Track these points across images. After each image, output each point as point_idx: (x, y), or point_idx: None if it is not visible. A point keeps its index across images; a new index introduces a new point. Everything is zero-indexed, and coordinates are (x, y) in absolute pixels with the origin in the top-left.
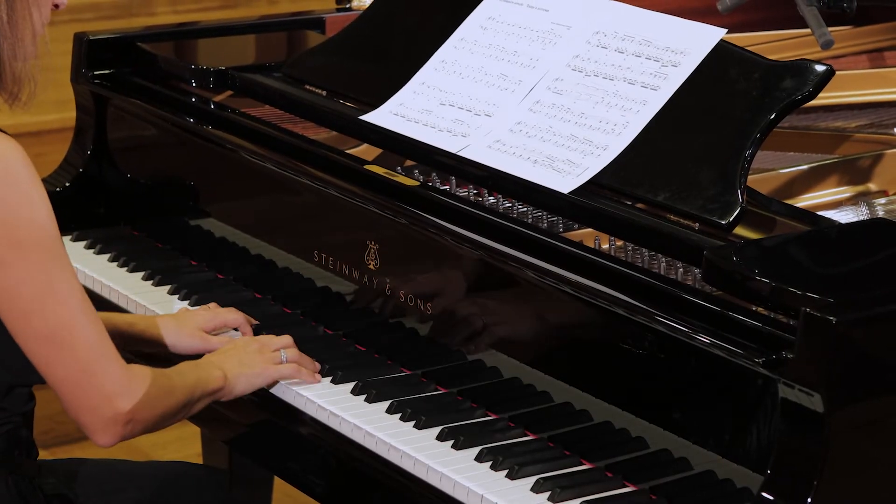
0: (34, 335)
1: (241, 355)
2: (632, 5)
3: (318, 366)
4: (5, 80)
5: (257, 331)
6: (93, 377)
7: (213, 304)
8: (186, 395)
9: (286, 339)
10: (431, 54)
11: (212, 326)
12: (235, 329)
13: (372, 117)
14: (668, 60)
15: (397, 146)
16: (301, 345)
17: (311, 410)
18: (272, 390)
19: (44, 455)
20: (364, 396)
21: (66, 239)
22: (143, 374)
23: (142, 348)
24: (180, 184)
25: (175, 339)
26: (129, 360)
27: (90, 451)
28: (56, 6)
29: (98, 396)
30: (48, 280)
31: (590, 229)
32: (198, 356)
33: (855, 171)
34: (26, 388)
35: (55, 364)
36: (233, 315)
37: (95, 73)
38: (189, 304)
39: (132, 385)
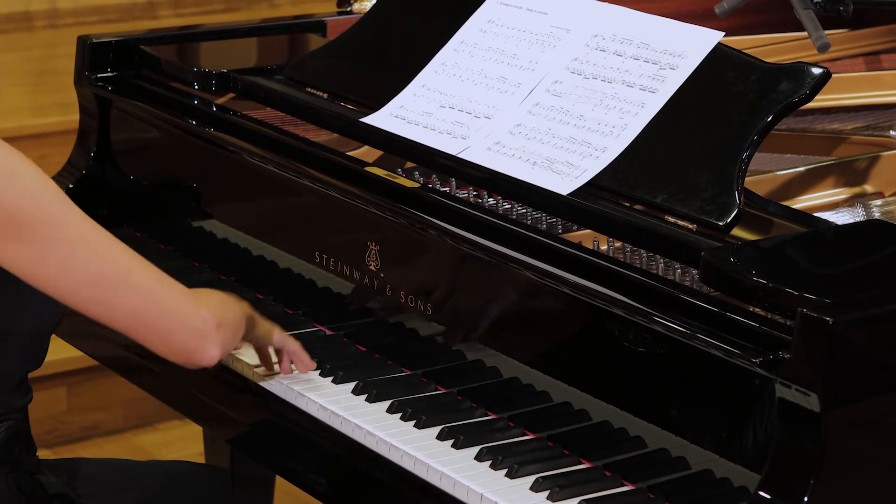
0: (79, 288)
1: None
2: (630, 9)
3: (312, 363)
4: None
5: None
6: (160, 299)
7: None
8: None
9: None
10: (431, 57)
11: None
12: None
13: (373, 120)
14: (665, 63)
15: (398, 148)
16: (302, 345)
17: (312, 410)
18: (273, 390)
19: (47, 454)
20: (365, 396)
21: None
22: (199, 290)
23: None
24: (183, 186)
25: None
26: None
27: (93, 450)
28: None
29: (176, 313)
30: (67, 232)
31: (588, 230)
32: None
33: (851, 173)
34: (25, 380)
35: (117, 305)
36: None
37: (99, 75)
38: None
39: (195, 294)
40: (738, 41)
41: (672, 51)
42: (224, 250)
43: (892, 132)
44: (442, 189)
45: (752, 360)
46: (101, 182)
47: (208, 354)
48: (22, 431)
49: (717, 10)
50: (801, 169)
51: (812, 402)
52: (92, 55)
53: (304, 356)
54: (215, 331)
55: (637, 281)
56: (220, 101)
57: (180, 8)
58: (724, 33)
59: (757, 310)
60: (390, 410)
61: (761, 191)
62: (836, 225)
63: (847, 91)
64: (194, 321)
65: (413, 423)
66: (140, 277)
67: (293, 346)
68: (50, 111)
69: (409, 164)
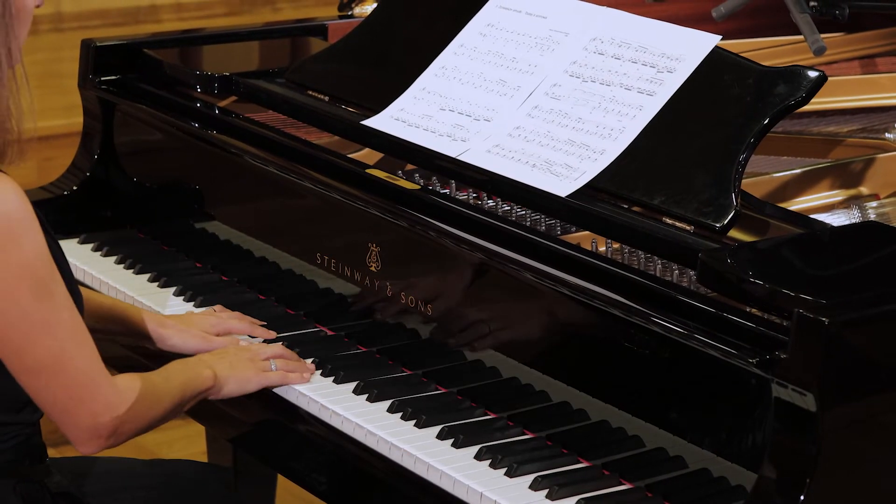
0: (25, 368)
1: (233, 359)
2: (628, 13)
3: (310, 366)
4: None
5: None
6: (80, 402)
7: (219, 307)
8: (174, 401)
9: (276, 349)
10: (432, 60)
11: (216, 331)
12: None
13: (373, 122)
14: (663, 66)
15: (398, 150)
16: (303, 346)
17: (313, 410)
18: (275, 390)
19: (53, 453)
20: (366, 396)
21: (74, 241)
22: (129, 388)
23: (146, 345)
24: (185, 187)
25: (180, 340)
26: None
27: None
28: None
29: (84, 415)
30: (40, 317)
31: (587, 232)
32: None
33: (847, 175)
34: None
35: (45, 391)
36: (237, 323)
37: (102, 78)
38: (194, 306)
39: (119, 402)
40: (736, 45)
41: (670, 54)
42: (226, 252)
43: (887, 135)
44: (442, 191)
45: (748, 360)
46: (104, 184)
47: (81, 450)
48: (32, 443)
49: (714, 14)
50: (798, 171)
51: (808, 401)
52: (96, 58)
53: (295, 376)
54: (104, 438)
55: (635, 282)
56: (223, 103)
57: (183, 12)
58: (721, 37)
59: (753, 310)
60: (391, 410)
61: (758, 193)
62: (832, 227)
63: (843, 94)
64: (91, 426)
65: (413, 422)
66: (76, 377)
67: (276, 378)
68: (54, 114)
69: (410, 167)
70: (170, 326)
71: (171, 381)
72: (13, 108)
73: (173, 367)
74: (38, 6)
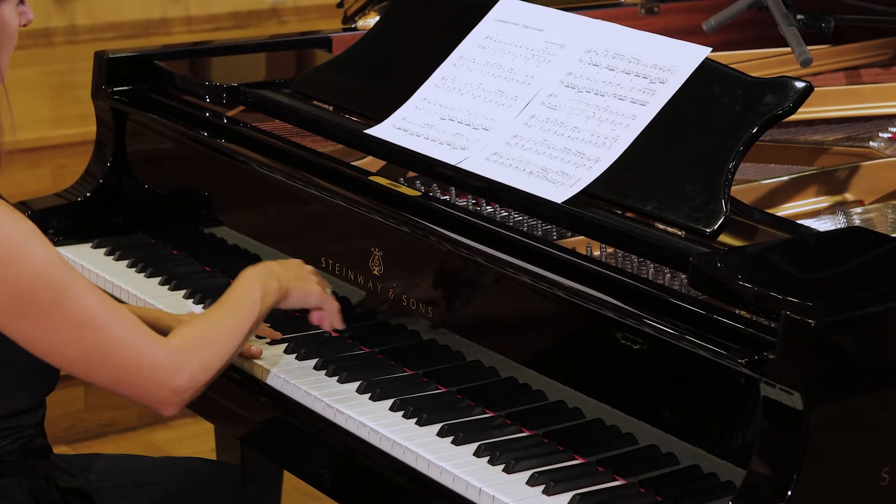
0: (71, 362)
1: (299, 271)
2: (622, 25)
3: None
4: None
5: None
6: (140, 373)
7: None
8: (241, 330)
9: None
10: (432, 72)
11: None
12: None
13: (376, 131)
14: (655, 77)
15: (400, 158)
16: (308, 346)
17: (318, 408)
18: (282, 389)
19: (65, 450)
20: (369, 395)
21: (87, 246)
22: (184, 345)
23: None
24: (195, 194)
25: None
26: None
27: (109, 446)
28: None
29: (151, 384)
30: (67, 315)
31: (582, 237)
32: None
33: (832, 182)
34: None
35: (102, 377)
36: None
37: (115, 89)
38: (203, 308)
39: (180, 362)
40: (725, 56)
41: (662, 65)
42: (234, 255)
43: (871, 143)
44: (442, 197)
45: (737, 360)
46: (117, 190)
47: (167, 414)
48: (36, 444)
49: (704, 27)
50: (785, 178)
51: (795, 400)
52: (109, 70)
53: (338, 318)
54: (185, 394)
55: (628, 285)
56: (231, 113)
57: (192, 25)
58: (711, 49)
59: (742, 312)
60: (393, 408)
61: (747, 199)
62: (819, 232)
63: (829, 104)
64: (165, 393)
65: (415, 420)
66: (123, 353)
67: (333, 305)
68: (68, 123)
69: (411, 174)
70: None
71: (235, 310)
72: (4, 122)
73: (237, 290)
74: (24, 25)
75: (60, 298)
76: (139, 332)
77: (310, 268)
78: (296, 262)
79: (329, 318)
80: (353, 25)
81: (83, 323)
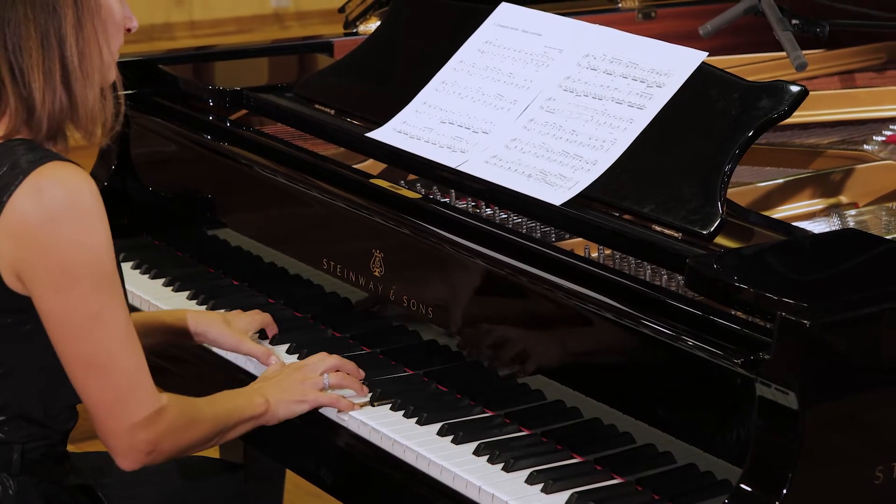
0: (76, 357)
1: (284, 382)
2: (619, 30)
3: (363, 388)
4: (81, 118)
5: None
6: (124, 405)
7: (238, 311)
8: (217, 425)
9: (331, 361)
10: (432, 76)
11: (253, 329)
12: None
13: (377, 134)
14: (653, 81)
15: (401, 161)
16: (310, 347)
17: (320, 408)
18: None
19: (72, 449)
20: (369, 395)
21: None
22: (171, 403)
23: (184, 341)
24: (198, 196)
25: (219, 335)
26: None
27: None
28: (128, 29)
29: (125, 424)
30: (98, 309)
31: (580, 239)
32: (233, 382)
33: (827, 185)
34: (72, 407)
35: (92, 387)
36: (260, 317)
37: (119, 93)
38: (206, 309)
39: (159, 417)
40: (721, 60)
41: (659, 70)
42: (237, 257)
43: (865, 146)
44: (442, 200)
45: (733, 360)
46: (121, 193)
47: (121, 465)
48: (58, 452)
49: (701, 32)
50: (780, 181)
51: (790, 400)
52: None
53: (345, 403)
54: (144, 454)
55: (626, 286)
56: (234, 117)
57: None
58: (707, 53)
59: (738, 313)
60: (394, 408)
61: (743, 201)
62: (813, 234)
63: (823, 107)
64: (131, 439)
65: (415, 420)
66: (123, 378)
67: (327, 400)
68: None
69: (412, 177)
70: (211, 322)
71: (216, 404)
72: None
73: (222, 393)
74: (129, 30)
75: (102, 290)
76: (144, 369)
77: (297, 369)
78: (284, 371)
79: (337, 405)
80: (354, 30)
81: (107, 327)
